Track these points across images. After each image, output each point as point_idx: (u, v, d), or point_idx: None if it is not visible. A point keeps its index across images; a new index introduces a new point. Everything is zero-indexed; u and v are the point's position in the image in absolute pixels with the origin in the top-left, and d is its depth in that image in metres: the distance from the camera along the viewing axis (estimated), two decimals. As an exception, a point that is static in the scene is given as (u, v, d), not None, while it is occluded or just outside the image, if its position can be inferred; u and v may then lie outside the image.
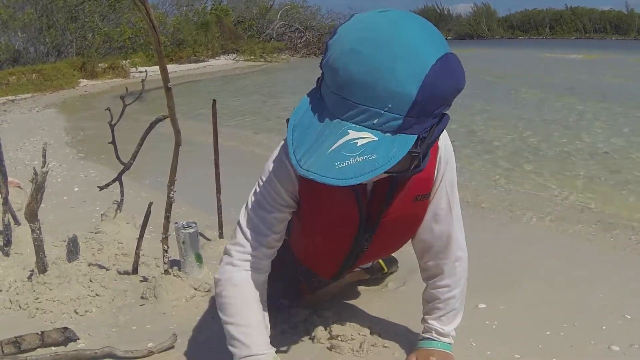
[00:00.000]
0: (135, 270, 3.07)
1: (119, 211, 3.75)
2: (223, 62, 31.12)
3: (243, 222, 1.84)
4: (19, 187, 4.36)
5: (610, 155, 7.20)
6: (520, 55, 35.12)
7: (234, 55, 33.60)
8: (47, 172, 2.56)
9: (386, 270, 2.87)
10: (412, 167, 1.43)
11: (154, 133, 3.07)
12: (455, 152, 1.86)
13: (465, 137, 8.31)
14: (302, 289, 2.54)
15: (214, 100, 3.45)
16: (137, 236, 3.04)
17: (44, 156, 2.60)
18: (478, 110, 10.99)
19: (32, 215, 2.61)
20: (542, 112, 11.00)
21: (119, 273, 3.04)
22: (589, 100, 12.39)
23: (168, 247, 2.80)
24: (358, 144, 1.29)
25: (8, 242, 3.14)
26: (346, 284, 2.74)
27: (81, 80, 20.00)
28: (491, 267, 3.22)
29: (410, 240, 2.08)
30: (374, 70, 1.27)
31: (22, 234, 3.25)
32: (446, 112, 1.43)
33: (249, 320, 1.78)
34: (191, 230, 3.00)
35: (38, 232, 2.66)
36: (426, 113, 1.33)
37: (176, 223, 3.04)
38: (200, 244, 3.14)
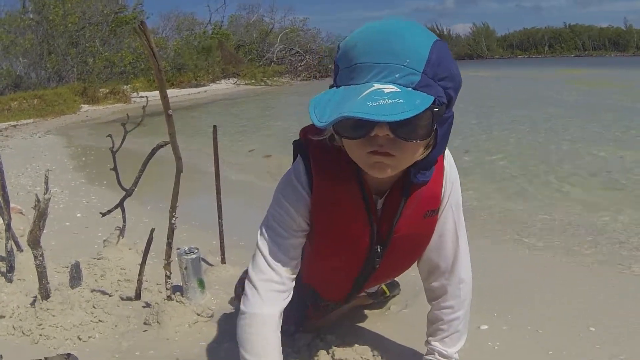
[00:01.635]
0: (138, 296, 3.08)
1: (121, 237, 3.76)
2: (224, 87, 31.26)
3: (263, 251, 1.82)
4: (21, 213, 4.37)
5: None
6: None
7: (235, 80, 33.72)
8: (49, 198, 2.58)
9: (388, 293, 2.87)
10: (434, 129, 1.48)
11: (156, 159, 3.09)
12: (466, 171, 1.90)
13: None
14: (309, 315, 2.54)
15: (215, 126, 3.48)
16: (140, 262, 3.05)
17: (46, 183, 2.62)
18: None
19: (34, 242, 2.62)
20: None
21: (122, 299, 3.04)
22: None
23: (170, 273, 2.81)
24: (385, 91, 1.34)
25: (11, 269, 3.15)
26: (350, 308, 2.75)
27: (82, 105, 20.09)
28: (494, 288, 3.22)
29: (415, 262, 2.09)
30: (390, 34, 1.40)
31: (24, 260, 3.26)
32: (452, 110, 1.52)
33: None
34: (193, 256, 3.01)
35: (41, 258, 2.67)
36: (438, 77, 1.41)
37: (178, 249, 3.05)
38: (203, 270, 3.14)
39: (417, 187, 1.72)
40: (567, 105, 16.01)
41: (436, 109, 1.40)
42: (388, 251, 1.93)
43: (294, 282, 1.88)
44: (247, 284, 1.84)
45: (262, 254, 1.82)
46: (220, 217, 3.54)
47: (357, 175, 1.69)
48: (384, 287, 2.83)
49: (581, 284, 3.47)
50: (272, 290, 1.80)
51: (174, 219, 2.75)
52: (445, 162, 1.81)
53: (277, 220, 1.82)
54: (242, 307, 1.83)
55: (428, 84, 1.38)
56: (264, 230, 1.84)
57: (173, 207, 2.74)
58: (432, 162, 1.62)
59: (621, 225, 5.04)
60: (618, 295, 3.23)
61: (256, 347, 1.77)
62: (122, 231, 3.80)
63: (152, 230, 2.94)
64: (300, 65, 38.88)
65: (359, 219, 1.82)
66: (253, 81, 33.37)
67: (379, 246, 1.91)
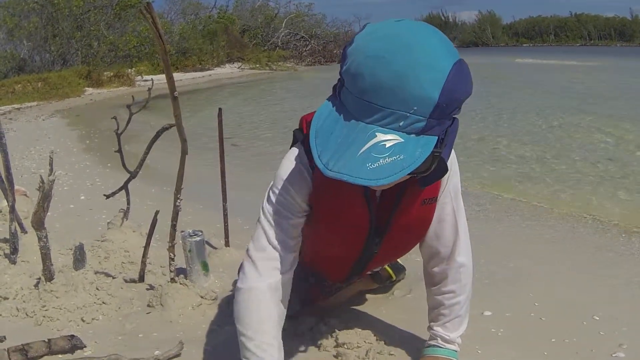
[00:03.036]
0: (141, 279, 3.08)
1: (125, 219, 3.76)
2: (228, 71, 31.17)
3: (266, 229, 1.82)
4: (26, 195, 4.37)
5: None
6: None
7: (239, 64, 33.63)
8: (53, 180, 2.58)
9: (394, 278, 2.87)
10: (434, 167, 1.48)
11: (161, 140, 3.08)
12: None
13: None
14: (313, 295, 2.54)
15: (220, 109, 3.47)
16: (144, 244, 3.05)
17: (51, 164, 2.61)
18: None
19: (39, 224, 2.62)
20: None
21: (126, 281, 3.05)
22: None
23: (174, 255, 2.80)
24: (386, 146, 1.34)
25: (15, 250, 3.15)
26: (356, 291, 2.75)
27: (86, 88, 20.06)
28: (497, 274, 3.22)
29: (418, 246, 2.09)
30: (400, 76, 1.33)
31: (28, 242, 3.27)
32: (456, 115, 1.48)
33: (269, 337, 1.76)
34: (197, 239, 3.01)
35: (45, 240, 2.67)
36: (445, 115, 1.40)
37: (182, 231, 3.05)
38: (207, 253, 3.14)
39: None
40: None
41: (437, 152, 1.42)
42: (386, 238, 1.94)
43: (295, 261, 1.89)
44: (245, 260, 1.85)
45: (265, 232, 1.82)
46: (224, 200, 3.53)
47: None
48: (389, 271, 2.83)
49: (586, 269, 3.47)
50: (271, 268, 1.80)
51: (178, 201, 2.74)
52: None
53: (280, 202, 1.81)
54: (239, 283, 1.84)
55: (434, 125, 1.38)
56: (265, 210, 1.84)
57: (178, 190, 2.73)
58: (448, 155, 1.61)
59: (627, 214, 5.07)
60: (624, 284, 3.22)
61: (253, 321, 1.77)
62: (126, 213, 3.81)
63: (157, 213, 2.93)
64: (305, 50, 38.77)
65: (357, 205, 1.82)
66: (257, 65, 33.26)
67: (377, 234, 1.91)
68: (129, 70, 23.98)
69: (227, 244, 3.62)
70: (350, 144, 1.37)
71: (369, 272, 2.55)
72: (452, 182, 1.89)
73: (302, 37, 39.92)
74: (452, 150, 1.80)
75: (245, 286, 1.80)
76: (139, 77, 23.05)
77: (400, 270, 2.92)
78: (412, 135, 1.36)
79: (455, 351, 2.13)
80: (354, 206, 1.82)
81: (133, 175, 3.54)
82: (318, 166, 1.38)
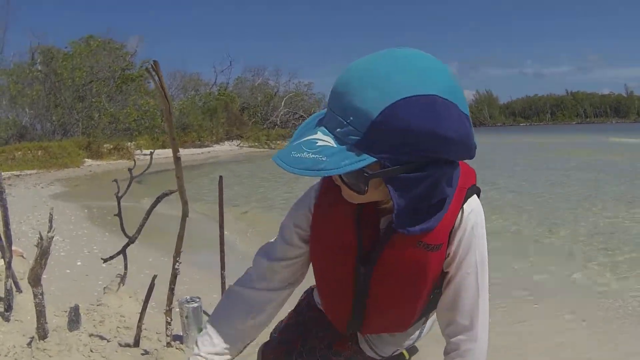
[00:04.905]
0: (136, 343, 3.03)
1: (122, 285, 3.73)
2: (227, 148, 31.46)
3: (272, 242, 1.85)
4: (22, 256, 4.35)
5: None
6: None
7: (238, 142, 33.97)
8: (52, 237, 2.56)
9: (408, 357, 2.80)
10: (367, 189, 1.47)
11: (159, 210, 3.08)
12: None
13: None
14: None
15: (221, 177, 3.48)
16: (140, 310, 3.01)
17: (50, 221, 2.60)
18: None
19: (35, 280, 2.59)
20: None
21: (120, 345, 3.00)
22: None
23: (171, 320, 2.77)
24: (317, 144, 1.37)
25: (9, 308, 3.12)
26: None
27: (86, 159, 20.21)
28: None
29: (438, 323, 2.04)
30: (347, 84, 1.36)
31: (23, 301, 3.23)
32: (440, 168, 1.46)
33: (219, 328, 1.77)
34: (195, 305, 2.99)
35: (40, 297, 2.64)
36: (390, 142, 1.36)
37: (179, 299, 3.03)
38: (204, 320, 3.11)
39: None
40: None
41: (366, 173, 1.39)
42: (377, 272, 1.89)
43: (281, 283, 1.86)
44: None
45: (270, 245, 1.85)
46: (222, 268, 3.51)
47: None
48: (404, 352, 2.76)
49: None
50: (249, 280, 1.82)
51: (177, 264, 2.73)
52: (466, 207, 1.74)
53: (283, 225, 1.82)
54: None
55: (372, 145, 1.35)
56: (280, 229, 1.85)
57: (177, 252, 2.72)
58: (425, 213, 1.58)
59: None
60: None
61: (220, 312, 1.79)
62: (123, 279, 3.77)
63: (154, 278, 2.91)
64: (304, 130, 39.26)
65: (346, 226, 1.80)
66: (257, 144, 33.60)
67: (365, 262, 1.88)
68: (129, 143, 24.19)
69: (224, 312, 3.57)
70: (298, 137, 1.42)
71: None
72: (476, 249, 1.81)
73: (301, 116, 40.46)
74: (481, 215, 1.74)
75: (234, 286, 1.84)
76: (138, 151, 23.21)
77: (414, 350, 2.85)
78: (346, 146, 1.36)
79: None
80: (343, 225, 1.81)
81: (132, 240, 3.51)
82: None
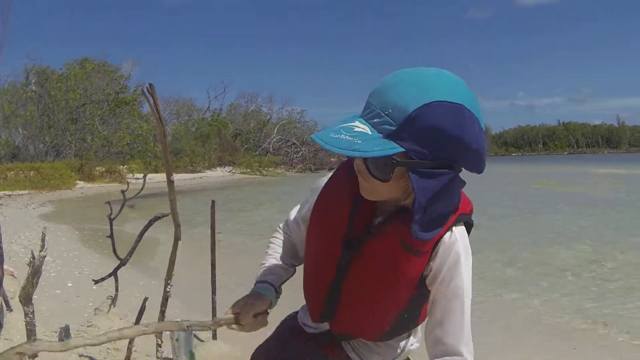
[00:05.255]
0: (126, 365, 3.03)
1: (112, 306, 3.72)
2: (219, 174, 31.45)
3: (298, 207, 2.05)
4: (13, 275, 4.33)
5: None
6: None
7: (230, 168, 33.97)
8: (44, 256, 2.56)
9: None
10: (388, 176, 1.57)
11: (149, 234, 3.09)
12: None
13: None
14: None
15: (213, 201, 3.49)
16: (130, 331, 3.01)
17: (43, 240, 2.60)
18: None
19: (26, 299, 2.59)
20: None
21: (110, 367, 3.00)
22: None
23: (162, 342, 2.77)
24: (355, 130, 1.51)
25: (-1, 326, 3.11)
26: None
27: (78, 182, 20.19)
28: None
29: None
30: (393, 84, 1.53)
31: (13, 320, 3.23)
32: (455, 174, 1.57)
33: (273, 260, 1.98)
34: (186, 327, 2.97)
35: (31, 316, 2.63)
36: (420, 137, 1.49)
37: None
38: (194, 344, 3.10)
39: (406, 217, 1.71)
40: None
41: (394, 160, 1.49)
42: (358, 259, 1.90)
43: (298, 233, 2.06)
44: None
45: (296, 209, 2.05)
46: (214, 292, 3.52)
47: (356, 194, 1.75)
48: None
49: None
50: (282, 231, 2.08)
51: (169, 287, 2.73)
52: (456, 230, 1.76)
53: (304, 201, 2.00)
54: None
55: (404, 137, 1.48)
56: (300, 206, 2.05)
57: (169, 275, 2.72)
58: (431, 219, 1.62)
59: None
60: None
61: (274, 245, 2.03)
62: (114, 300, 3.76)
63: (145, 300, 2.91)
64: (296, 157, 39.27)
65: (344, 207, 1.84)
66: (249, 170, 33.61)
67: (350, 248, 1.90)
68: (121, 166, 24.18)
69: (214, 336, 3.57)
70: (337, 125, 1.56)
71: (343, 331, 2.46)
72: (464, 277, 1.82)
73: (294, 143, 40.50)
74: (465, 242, 1.77)
75: (276, 233, 2.08)
76: (130, 175, 23.17)
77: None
78: (381, 135, 1.49)
79: None
80: (340, 210, 1.86)
81: (123, 262, 3.51)
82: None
